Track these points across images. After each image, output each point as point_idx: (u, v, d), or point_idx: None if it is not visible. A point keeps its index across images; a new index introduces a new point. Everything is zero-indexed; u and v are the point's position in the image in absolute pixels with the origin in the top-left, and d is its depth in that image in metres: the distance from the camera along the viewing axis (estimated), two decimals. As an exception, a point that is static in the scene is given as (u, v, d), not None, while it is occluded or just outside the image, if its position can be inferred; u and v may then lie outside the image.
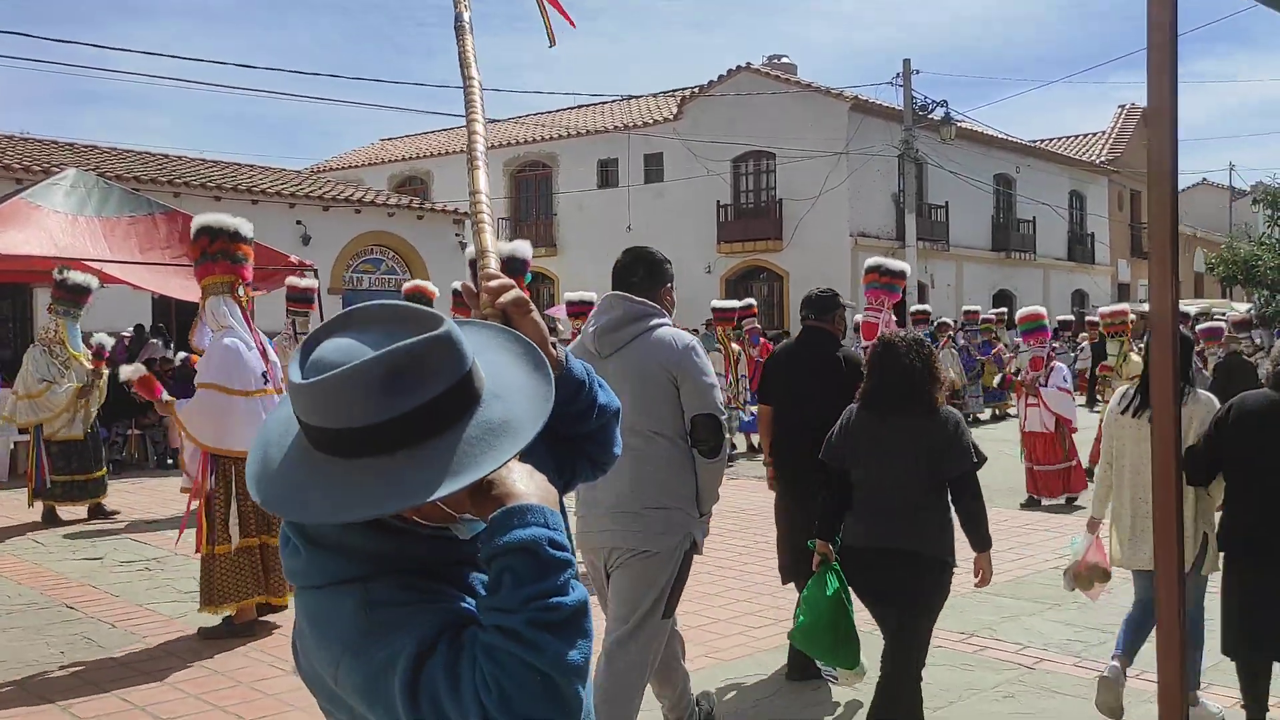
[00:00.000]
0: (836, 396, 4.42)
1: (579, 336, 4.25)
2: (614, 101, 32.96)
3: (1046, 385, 9.94)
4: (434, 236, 23.63)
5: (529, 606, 1.21)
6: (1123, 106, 39.66)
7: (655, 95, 32.84)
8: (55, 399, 9.13)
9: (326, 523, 1.30)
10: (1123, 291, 37.11)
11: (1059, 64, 79.24)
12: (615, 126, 30.07)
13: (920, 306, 20.60)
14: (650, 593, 3.76)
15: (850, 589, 4.05)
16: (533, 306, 1.54)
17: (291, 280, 11.05)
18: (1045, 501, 9.82)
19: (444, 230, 24.07)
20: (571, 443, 1.71)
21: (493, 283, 1.54)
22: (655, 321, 3.91)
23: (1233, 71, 77.41)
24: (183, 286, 10.73)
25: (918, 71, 25.54)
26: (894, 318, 8.63)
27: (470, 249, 6.45)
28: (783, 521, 5.27)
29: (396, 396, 1.24)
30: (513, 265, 6.08)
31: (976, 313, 20.15)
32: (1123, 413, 4.59)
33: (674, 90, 31.75)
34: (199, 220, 5.89)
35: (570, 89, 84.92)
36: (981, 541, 3.92)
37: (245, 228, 5.85)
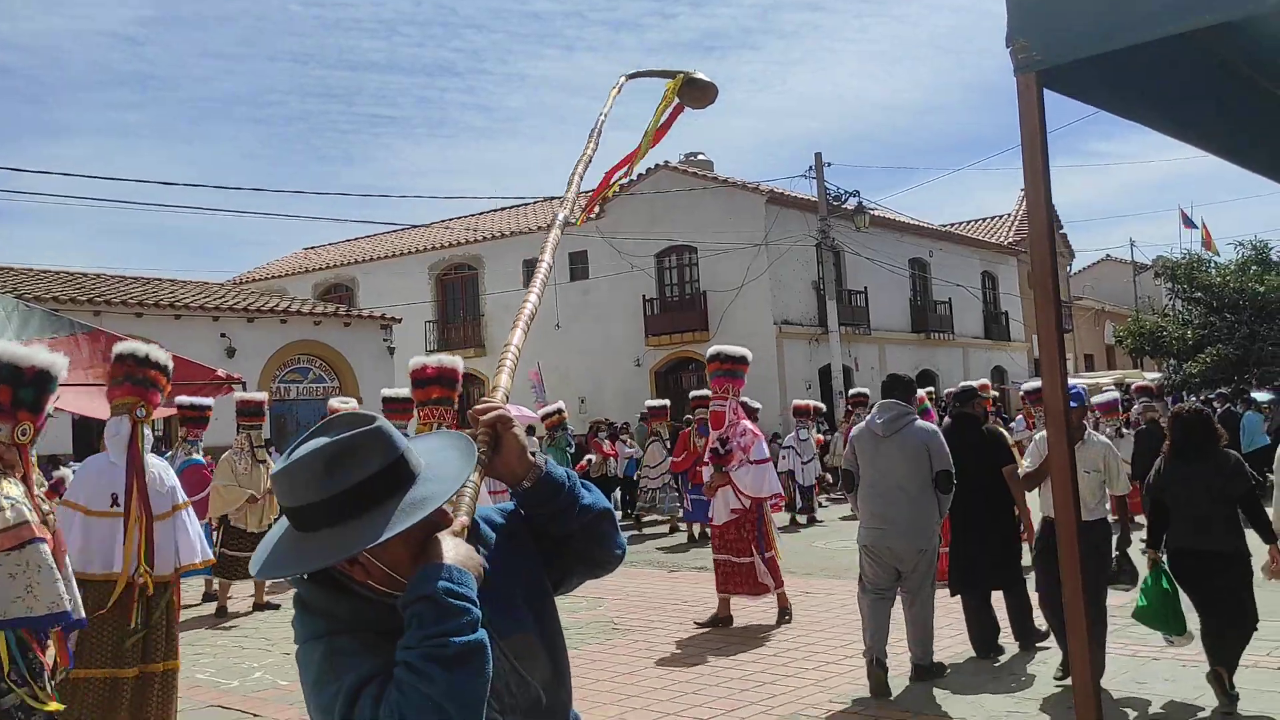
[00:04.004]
0: (986, 462, 6.86)
1: (864, 421, 6.76)
2: (537, 203, 33.47)
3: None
4: (361, 343, 23.61)
5: (425, 643, 1.50)
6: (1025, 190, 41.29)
7: (578, 195, 33.41)
8: None
9: (288, 575, 1.68)
10: (1038, 367, 38.19)
11: (965, 150, 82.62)
12: (539, 227, 30.47)
13: (858, 390, 21.03)
14: (929, 570, 6.40)
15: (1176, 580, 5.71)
16: (513, 423, 1.86)
17: (241, 395, 11.03)
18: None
19: (371, 336, 24.07)
20: (562, 542, 1.95)
21: (480, 406, 1.86)
22: (913, 416, 6.52)
23: (1130, 151, 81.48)
24: (105, 408, 10.61)
25: (829, 164, 26.49)
26: (740, 403, 8.80)
27: (415, 359, 6.59)
28: (954, 537, 7.13)
29: (334, 478, 1.61)
30: (445, 377, 6.25)
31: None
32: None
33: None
34: (115, 348, 5.87)
35: (493, 191, 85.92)
36: (1269, 536, 5.57)
37: (155, 353, 5.80)
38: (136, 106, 70.48)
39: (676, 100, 2.82)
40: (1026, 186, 2.05)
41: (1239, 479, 5.58)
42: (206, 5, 64.16)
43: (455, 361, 6.63)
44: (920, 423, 6.51)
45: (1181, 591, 5.77)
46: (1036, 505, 6.50)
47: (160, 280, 23.66)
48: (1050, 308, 2.06)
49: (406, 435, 9.38)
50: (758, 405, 18.80)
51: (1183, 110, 2.34)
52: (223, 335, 20.86)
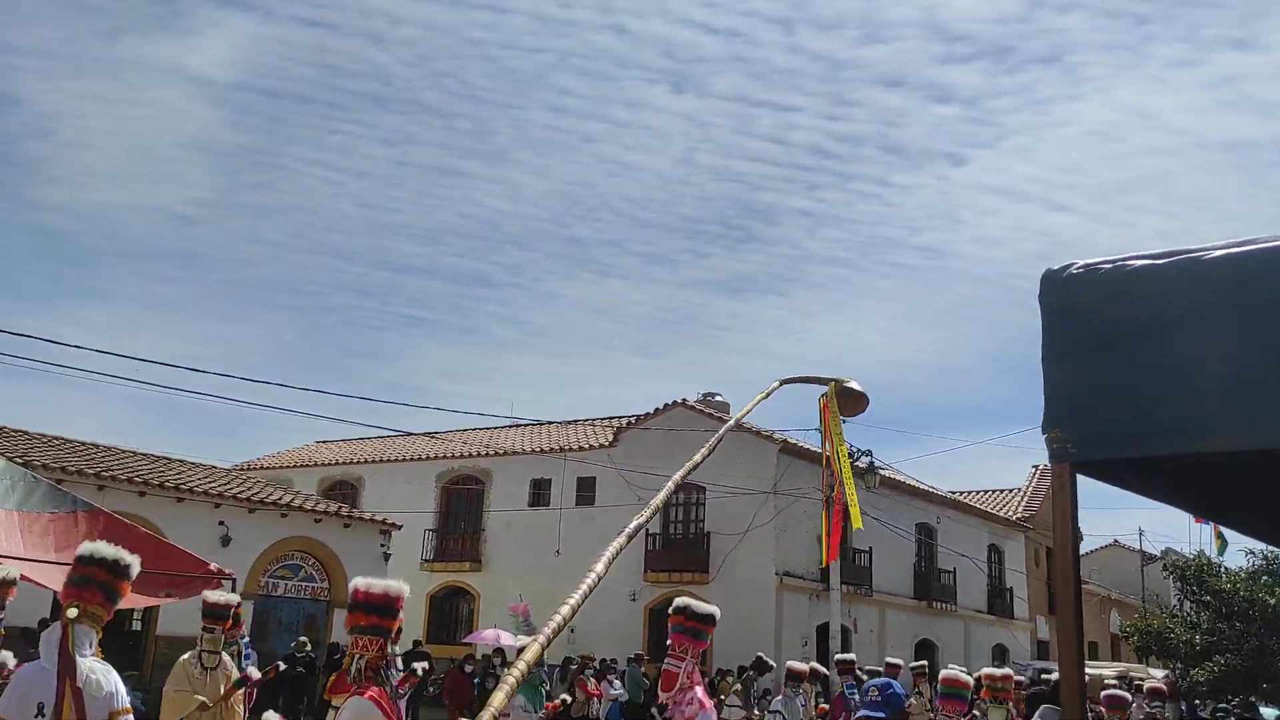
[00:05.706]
0: None
1: None
2: (551, 425, 33.77)
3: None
4: (358, 545, 23.31)
5: None
6: (1036, 466, 41.40)
7: (591, 422, 33.77)
8: None
9: None
10: (1042, 649, 37.17)
11: (979, 417, 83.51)
12: (550, 448, 30.62)
13: (845, 656, 20.40)
14: None
15: None
16: None
17: (208, 594, 10.45)
18: None
19: (369, 540, 23.79)
20: None
21: None
22: None
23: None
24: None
25: (846, 420, 26.74)
26: (697, 668, 8.12)
27: (356, 580, 6.36)
28: None
29: None
30: (374, 604, 6.06)
31: (897, 666, 19.96)
32: None
33: (610, 418, 32.73)
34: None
35: (511, 401, 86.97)
36: None
37: (100, 550, 5.69)
38: (176, 281, 72.72)
39: (833, 408, 2.82)
40: (1057, 561, 2.05)
41: None
42: (263, 195, 67.28)
43: (398, 589, 6.31)
44: None
45: None
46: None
47: (168, 459, 23.68)
48: (1075, 673, 2.02)
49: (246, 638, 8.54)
50: (772, 664, 18.15)
51: (1219, 501, 2.37)
52: (220, 523, 20.65)
